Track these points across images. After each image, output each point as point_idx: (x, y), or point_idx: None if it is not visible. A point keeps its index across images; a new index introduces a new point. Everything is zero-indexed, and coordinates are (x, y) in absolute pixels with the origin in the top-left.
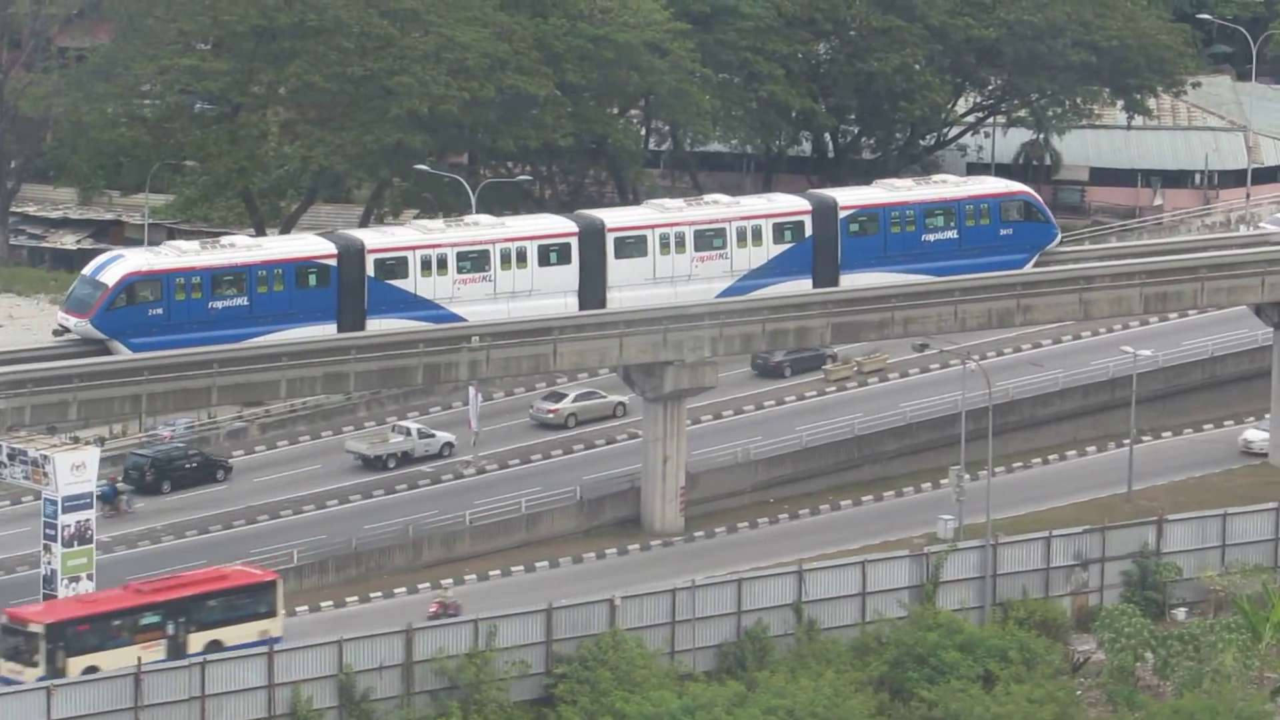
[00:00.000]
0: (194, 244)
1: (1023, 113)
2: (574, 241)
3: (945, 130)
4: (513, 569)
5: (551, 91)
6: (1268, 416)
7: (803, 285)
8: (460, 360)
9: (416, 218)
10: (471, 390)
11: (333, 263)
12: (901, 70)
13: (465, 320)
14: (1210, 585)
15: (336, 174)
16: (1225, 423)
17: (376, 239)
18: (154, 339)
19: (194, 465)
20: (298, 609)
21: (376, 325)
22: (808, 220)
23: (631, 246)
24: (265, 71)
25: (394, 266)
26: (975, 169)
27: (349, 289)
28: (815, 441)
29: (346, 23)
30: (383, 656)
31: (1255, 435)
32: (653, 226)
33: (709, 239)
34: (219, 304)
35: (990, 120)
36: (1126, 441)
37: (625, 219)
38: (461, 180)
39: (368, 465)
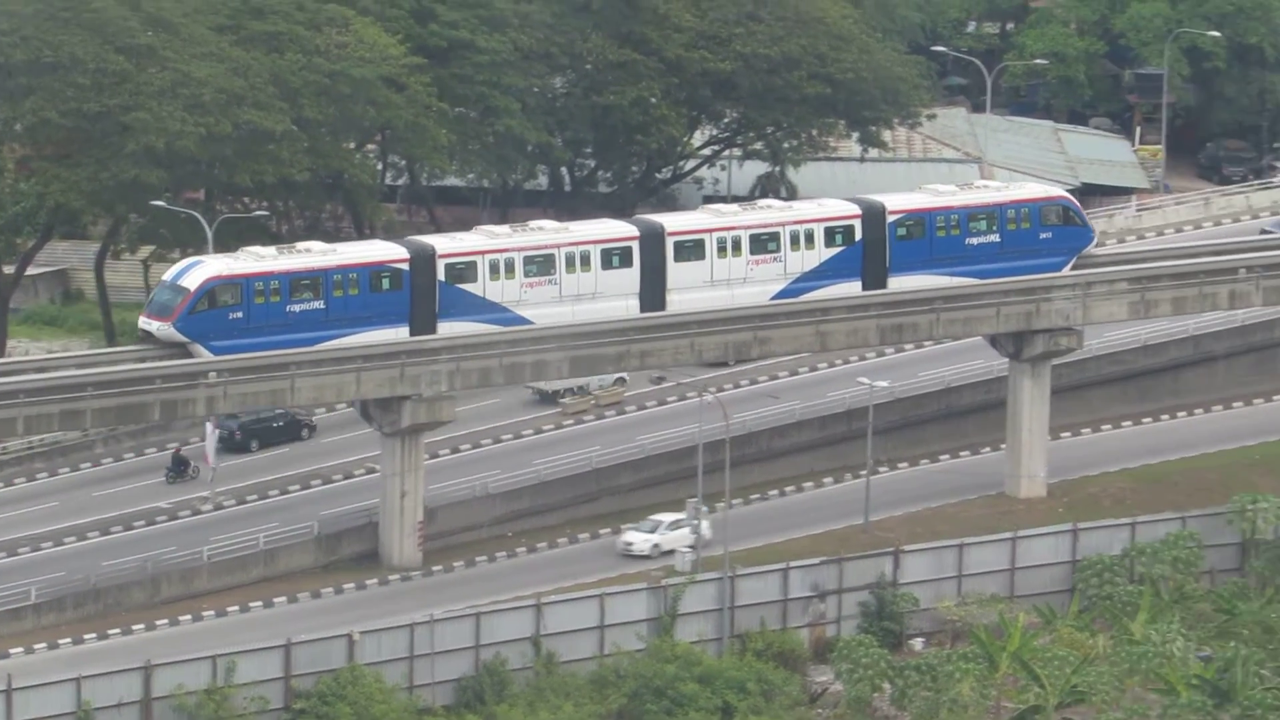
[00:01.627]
0: (271, 249)
1: (759, 145)
2: (635, 245)
3: (682, 163)
4: (251, 604)
5: (288, 126)
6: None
7: (853, 287)
8: (198, 396)
9: (153, 254)
10: (208, 426)
11: (405, 267)
12: (638, 103)
13: (532, 323)
14: (947, 615)
15: (73, 210)
16: (961, 453)
17: (447, 244)
18: (235, 342)
19: (280, 425)
20: (36, 646)
21: (447, 328)
22: (858, 224)
23: (690, 250)
24: (0, 108)
25: (464, 271)
26: (711, 201)
27: (420, 293)
28: (553, 475)
29: (82, 59)
30: (121, 693)
31: (635, 537)
32: (710, 230)
33: (764, 243)
34: (296, 307)
35: (726, 153)
36: (863, 472)
37: (684, 223)
38: (198, 216)
39: (544, 400)
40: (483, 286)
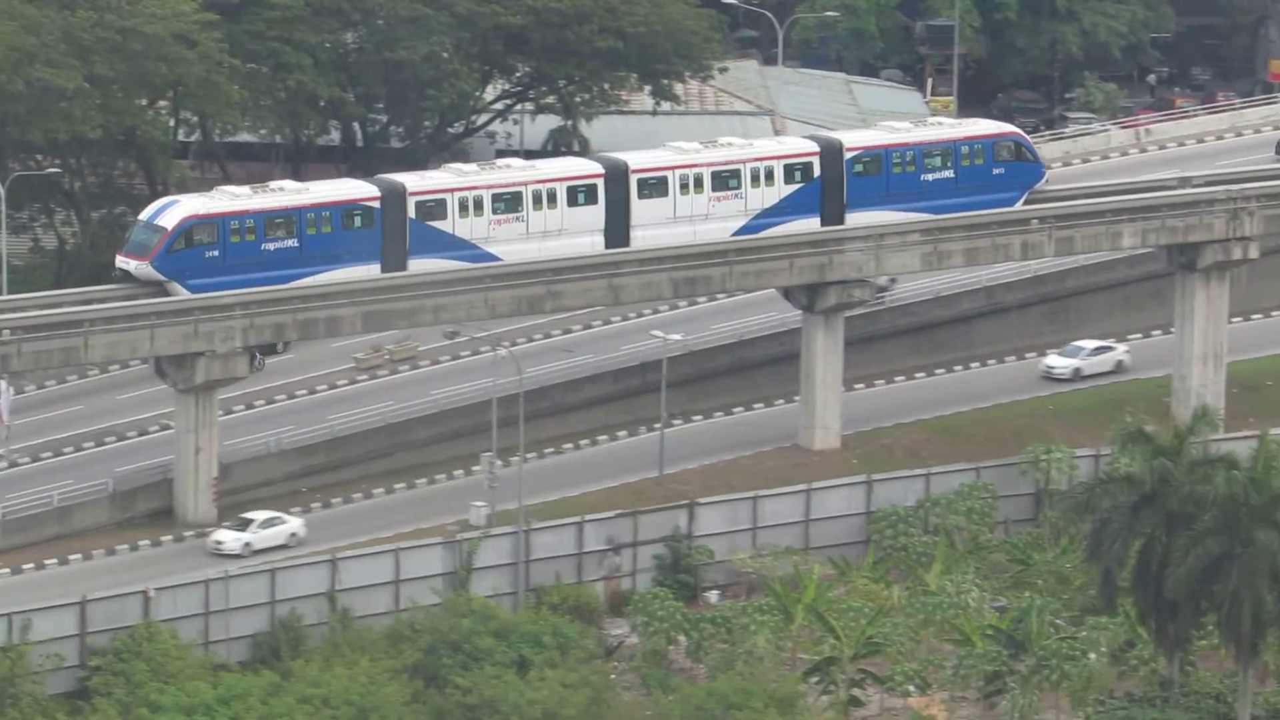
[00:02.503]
0: (245, 189)
1: (551, 99)
2: (600, 183)
3: (474, 118)
4: (46, 562)
5: (80, 84)
6: None
7: (812, 223)
8: None
9: None
10: (2, 384)
11: (376, 205)
12: (429, 58)
13: (501, 259)
14: (742, 568)
15: None
16: (755, 405)
17: (417, 182)
18: (211, 280)
19: None
20: None
21: (418, 265)
22: (816, 161)
23: (654, 187)
24: None
25: (433, 208)
26: (504, 156)
27: (391, 230)
28: (347, 430)
29: None
30: None
31: (226, 536)
32: (673, 168)
33: (725, 180)
34: (271, 246)
35: (519, 107)
36: (657, 426)
37: (648, 161)
38: None
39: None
40: (452, 224)
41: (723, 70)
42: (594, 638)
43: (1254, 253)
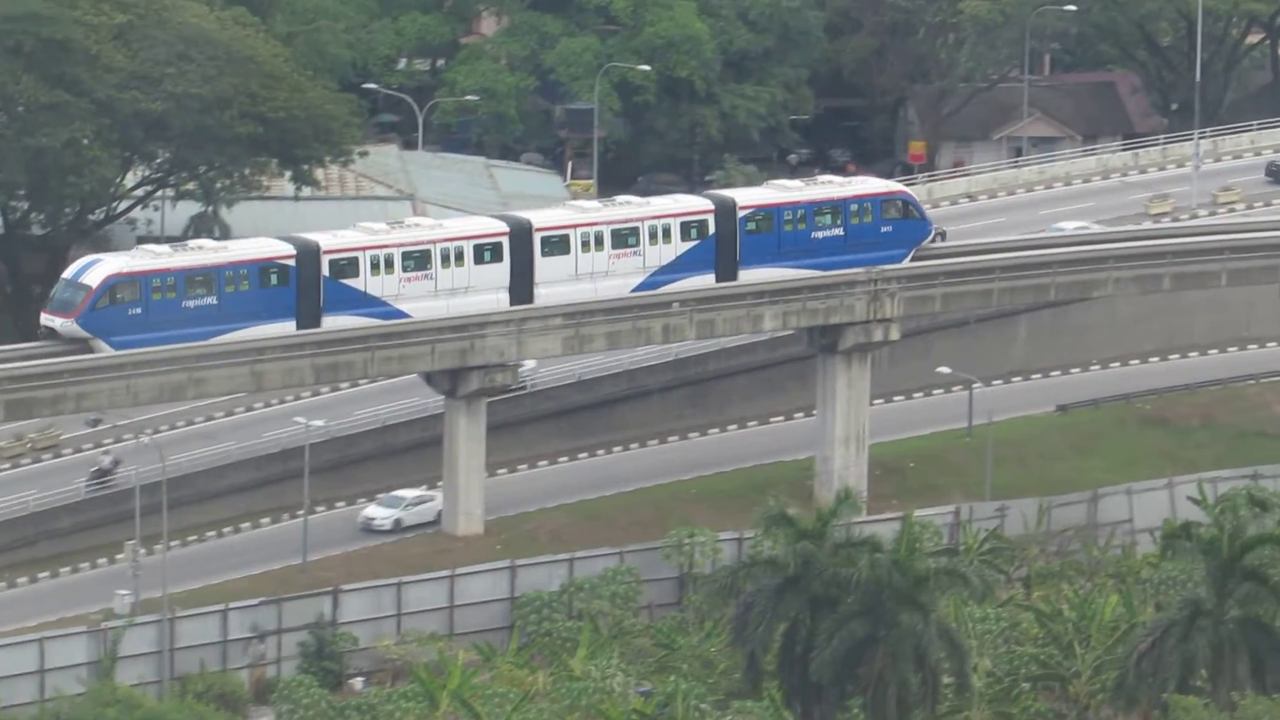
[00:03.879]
0: (165, 247)
1: (191, 185)
2: (505, 241)
3: (115, 204)
4: None
5: None
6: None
7: (707, 280)
8: None
9: None
10: None
11: (291, 263)
12: (70, 145)
13: (410, 317)
14: (387, 654)
15: None
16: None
17: (330, 240)
18: (134, 337)
19: None
20: None
21: (331, 323)
22: (711, 219)
23: (556, 245)
24: None
25: (346, 266)
26: (146, 241)
27: (306, 288)
28: None
29: None
30: None
31: None
32: (575, 226)
33: (624, 237)
34: (191, 303)
35: (160, 193)
36: (301, 512)
37: (550, 219)
38: None
39: None
40: (364, 281)
41: (363, 155)
42: None
43: (895, 334)
